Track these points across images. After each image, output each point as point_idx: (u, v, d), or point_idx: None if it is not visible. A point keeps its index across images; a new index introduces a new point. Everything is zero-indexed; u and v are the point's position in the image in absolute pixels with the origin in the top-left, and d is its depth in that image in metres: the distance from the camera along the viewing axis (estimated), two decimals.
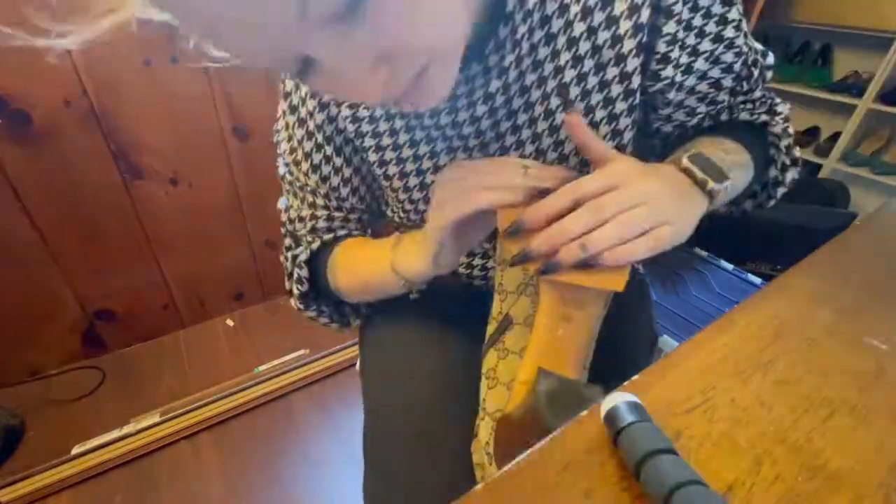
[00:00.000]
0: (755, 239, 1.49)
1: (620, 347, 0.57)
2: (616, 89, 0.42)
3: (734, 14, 0.41)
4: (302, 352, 1.41)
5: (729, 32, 0.42)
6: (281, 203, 0.61)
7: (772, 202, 0.55)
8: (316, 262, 0.56)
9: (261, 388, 1.27)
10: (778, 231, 1.48)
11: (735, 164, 0.42)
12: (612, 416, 0.29)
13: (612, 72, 0.42)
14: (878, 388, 0.35)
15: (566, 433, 0.31)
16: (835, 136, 1.96)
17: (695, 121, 0.49)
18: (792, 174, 0.51)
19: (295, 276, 0.57)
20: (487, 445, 0.40)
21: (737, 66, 0.44)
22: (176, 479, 1.08)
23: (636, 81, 0.42)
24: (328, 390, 1.31)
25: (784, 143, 0.49)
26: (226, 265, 1.48)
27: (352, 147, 0.52)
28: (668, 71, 0.43)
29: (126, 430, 1.15)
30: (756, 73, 0.47)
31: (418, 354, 0.55)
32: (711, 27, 0.41)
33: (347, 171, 0.53)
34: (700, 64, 0.43)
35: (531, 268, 0.33)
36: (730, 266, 1.40)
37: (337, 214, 0.56)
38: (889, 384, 0.35)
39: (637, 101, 0.43)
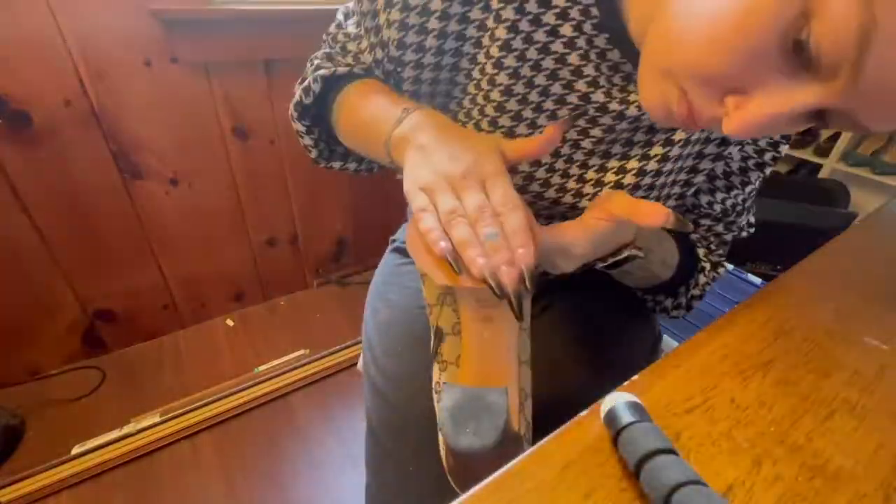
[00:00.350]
0: (755, 239, 1.49)
1: (620, 347, 0.57)
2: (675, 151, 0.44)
3: (768, 170, 0.49)
4: (302, 352, 1.41)
5: (764, 171, 0.49)
6: (340, 10, 0.52)
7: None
8: (331, 84, 0.50)
9: (261, 388, 1.27)
10: (778, 231, 1.48)
11: (645, 272, 0.48)
12: (612, 416, 0.29)
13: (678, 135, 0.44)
14: (878, 388, 0.35)
15: (566, 433, 0.31)
16: (835, 136, 1.96)
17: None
18: (676, 313, 0.57)
19: (306, 83, 0.50)
20: (442, 459, 0.40)
21: (734, 194, 0.50)
22: (176, 479, 1.08)
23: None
24: (328, 390, 1.31)
25: (693, 292, 0.54)
26: (226, 265, 1.48)
27: (454, 48, 0.44)
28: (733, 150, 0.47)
29: (126, 430, 1.15)
30: (738, 217, 0.53)
31: (419, 353, 0.55)
32: (768, 155, 0.48)
33: (428, 58, 0.44)
34: (737, 158, 0.48)
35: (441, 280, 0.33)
36: (730, 266, 1.40)
37: (388, 67, 0.47)
38: (889, 384, 0.35)
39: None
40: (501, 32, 0.40)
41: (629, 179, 0.45)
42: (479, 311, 0.35)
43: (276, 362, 1.38)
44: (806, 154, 2.03)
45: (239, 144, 1.32)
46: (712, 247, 0.54)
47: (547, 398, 0.43)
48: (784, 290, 0.47)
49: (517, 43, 0.40)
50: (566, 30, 0.39)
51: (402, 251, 0.70)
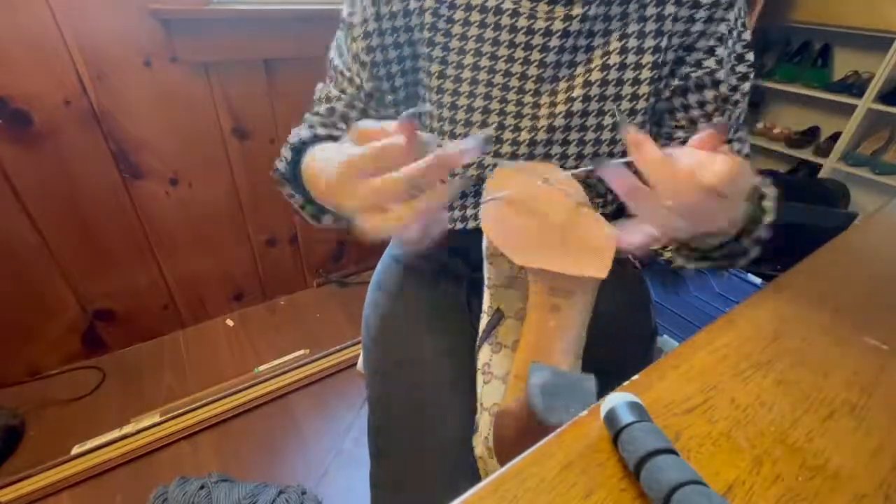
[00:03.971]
0: None
1: (620, 347, 0.57)
2: (648, 42, 0.47)
3: (749, 83, 0.51)
4: (302, 352, 1.41)
5: (749, 78, 0.50)
6: (318, 87, 0.60)
7: (721, 270, 0.57)
8: (301, 150, 0.51)
9: (261, 388, 1.27)
10: (778, 231, 1.48)
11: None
12: (612, 416, 0.29)
13: (649, 26, 0.47)
14: (878, 388, 0.35)
15: (566, 433, 0.31)
16: (835, 136, 1.96)
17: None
18: (754, 252, 0.49)
19: (282, 152, 0.53)
20: (486, 440, 0.40)
21: (741, 106, 0.51)
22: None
23: (665, 41, 0.48)
24: (328, 390, 1.31)
25: (765, 220, 0.49)
26: (226, 265, 1.48)
27: (411, 50, 0.53)
28: (711, 62, 0.49)
29: (126, 430, 1.15)
30: (739, 132, 0.54)
31: (421, 344, 0.56)
32: (741, 66, 0.50)
33: (395, 68, 0.54)
34: (730, 69, 0.49)
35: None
36: None
37: (357, 104, 0.55)
38: (889, 384, 0.35)
39: (661, 60, 0.48)
40: (428, 18, 0.49)
41: (594, 90, 0.49)
42: (549, 299, 0.35)
43: (276, 362, 1.38)
44: (806, 154, 2.03)
45: (239, 144, 1.32)
46: (734, 127, 0.53)
47: None
48: (784, 290, 0.47)
49: (441, 24, 0.49)
50: None
51: (401, 247, 0.70)
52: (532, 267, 0.32)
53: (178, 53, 1.13)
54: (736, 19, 0.49)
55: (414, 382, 0.52)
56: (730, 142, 0.53)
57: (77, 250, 1.21)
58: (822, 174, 1.95)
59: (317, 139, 0.50)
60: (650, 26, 0.47)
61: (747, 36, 0.50)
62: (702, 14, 0.47)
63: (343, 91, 0.56)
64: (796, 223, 1.48)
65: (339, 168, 0.32)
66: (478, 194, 0.57)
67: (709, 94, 0.51)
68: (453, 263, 0.63)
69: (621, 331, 0.58)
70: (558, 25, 0.47)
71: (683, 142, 0.53)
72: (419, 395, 0.51)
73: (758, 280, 1.37)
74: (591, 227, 0.36)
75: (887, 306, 0.45)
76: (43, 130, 1.06)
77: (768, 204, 0.49)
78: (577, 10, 0.46)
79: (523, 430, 0.34)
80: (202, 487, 1.00)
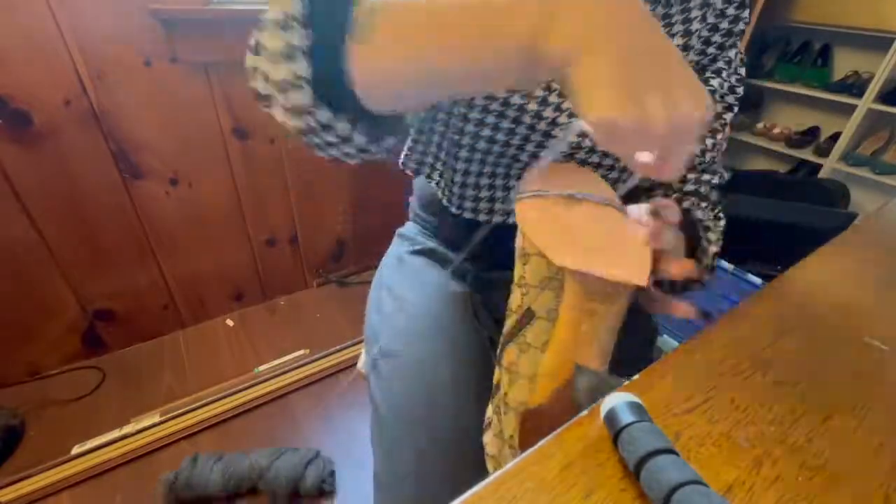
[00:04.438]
0: (755, 239, 1.49)
1: (621, 347, 0.57)
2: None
3: (729, 117, 0.53)
4: (302, 352, 1.41)
5: (732, 110, 0.52)
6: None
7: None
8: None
9: (261, 388, 1.27)
10: (778, 231, 1.48)
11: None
12: (612, 416, 0.29)
13: (678, 40, 0.49)
14: (878, 388, 0.35)
15: (566, 433, 0.31)
16: (835, 136, 1.96)
17: None
18: (709, 277, 0.52)
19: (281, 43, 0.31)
20: (511, 439, 0.40)
21: (719, 137, 0.53)
22: None
23: (688, 59, 0.49)
24: (328, 390, 1.31)
25: (713, 250, 0.50)
26: (226, 265, 1.48)
27: None
28: (715, 83, 0.50)
29: (126, 430, 1.15)
30: (718, 165, 0.55)
31: (424, 341, 0.56)
32: (730, 98, 0.52)
33: None
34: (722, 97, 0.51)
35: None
36: (730, 266, 1.40)
37: None
38: (889, 384, 0.35)
39: None
40: None
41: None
42: (585, 303, 0.34)
43: (276, 362, 1.38)
44: (806, 154, 2.03)
45: (239, 144, 1.32)
46: (703, 193, 0.55)
47: None
48: (784, 290, 0.47)
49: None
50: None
51: (408, 238, 0.70)
52: (573, 269, 0.32)
53: (178, 53, 1.13)
54: (737, 54, 0.51)
55: (417, 380, 0.52)
56: (709, 171, 0.54)
57: (77, 250, 1.21)
58: (822, 174, 1.95)
59: None
60: (677, 41, 0.49)
61: (742, 71, 0.52)
62: (711, 51, 0.50)
63: None
64: (796, 223, 1.48)
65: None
66: (507, 189, 0.57)
67: None
68: (459, 261, 0.63)
69: (622, 331, 0.58)
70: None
71: None
72: (423, 393, 0.51)
73: (758, 280, 1.36)
74: (632, 234, 0.36)
75: (887, 306, 0.45)
76: (43, 130, 1.06)
77: (713, 236, 0.51)
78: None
79: (554, 428, 0.34)
80: (219, 459, 1.03)
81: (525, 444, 0.38)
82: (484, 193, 0.57)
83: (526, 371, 0.39)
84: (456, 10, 0.26)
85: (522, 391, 0.39)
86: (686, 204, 0.53)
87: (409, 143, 0.62)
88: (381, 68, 0.30)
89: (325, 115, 0.33)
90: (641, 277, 0.33)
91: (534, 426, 0.37)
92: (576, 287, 0.34)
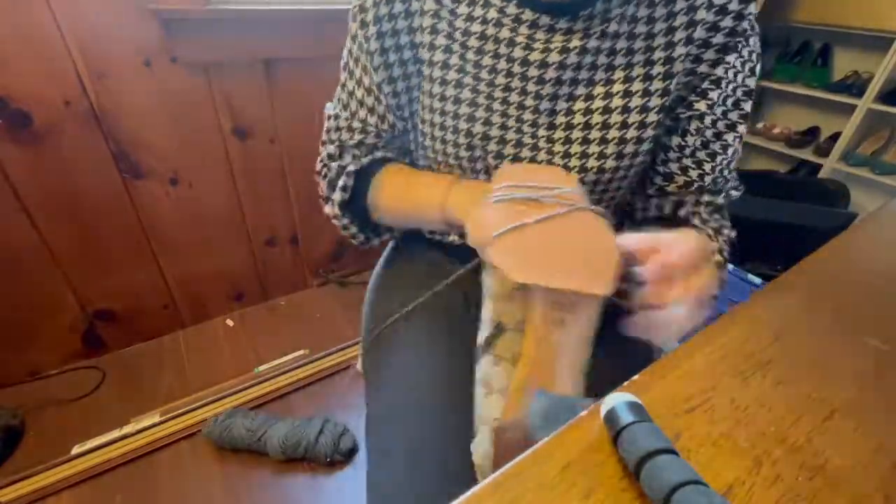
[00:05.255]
0: (755, 239, 1.49)
1: (621, 348, 0.57)
2: (657, 84, 0.46)
3: (742, 129, 0.49)
4: (302, 352, 1.41)
5: (737, 130, 0.49)
6: (328, 108, 0.60)
7: None
8: (362, 176, 0.58)
9: (261, 388, 1.27)
10: (778, 231, 1.48)
11: None
12: (612, 416, 0.29)
13: (657, 69, 0.46)
14: (878, 388, 0.35)
15: (566, 433, 0.31)
16: (835, 136, 1.96)
17: (666, 193, 0.55)
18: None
19: (340, 183, 0.57)
20: (486, 453, 0.39)
21: (719, 159, 0.50)
22: (176, 479, 1.08)
23: (674, 83, 0.46)
24: (328, 390, 1.31)
25: (715, 259, 0.51)
26: (226, 265, 1.48)
27: (414, 69, 0.53)
28: (702, 105, 0.48)
29: (126, 430, 1.15)
30: (725, 185, 0.53)
31: (419, 344, 0.56)
32: (734, 114, 0.48)
33: (400, 85, 0.54)
34: (717, 118, 0.48)
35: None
36: (730, 266, 1.40)
37: (384, 134, 0.57)
38: (889, 384, 0.35)
39: (668, 102, 0.47)
40: (426, 37, 0.49)
41: (595, 119, 0.48)
42: (553, 314, 0.34)
43: (276, 362, 1.38)
44: (806, 154, 2.03)
45: (239, 144, 1.32)
46: (704, 215, 0.53)
47: None
48: (784, 290, 0.47)
49: (440, 40, 0.49)
50: (477, 11, 0.47)
51: (400, 243, 0.72)
52: (532, 283, 0.32)
53: (178, 53, 1.13)
54: (744, 63, 0.46)
55: (412, 382, 0.52)
56: (711, 192, 0.53)
57: (77, 250, 1.21)
58: (822, 174, 1.95)
59: (374, 163, 0.57)
60: (657, 69, 0.46)
61: (752, 83, 0.47)
62: (710, 55, 0.46)
63: (363, 121, 0.56)
64: (796, 223, 1.48)
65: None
66: None
67: (689, 140, 0.50)
68: (453, 265, 0.63)
69: (619, 351, 0.59)
70: (555, 57, 0.46)
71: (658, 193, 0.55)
72: (418, 396, 0.51)
73: (758, 280, 1.37)
74: (596, 240, 0.35)
75: (887, 306, 0.45)
76: (43, 130, 1.06)
77: (719, 259, 0.50)
78: (576, 43, 0.45)
79: (524, 445, 0.34)
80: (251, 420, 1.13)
81: (498, 461, 0.37)
82: None
83: (498, 384, 0.39)
84: (407, 198, 0.56)
85: (495, 405, 0.39)
86: (683, 213, 0.54)
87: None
88: (383, 219, 0.62)
89: (343, 221, 0.62)
90: (605, 287, 0.32)
91: (503, 444, 0.36)
92: (541, 298, 0.34)
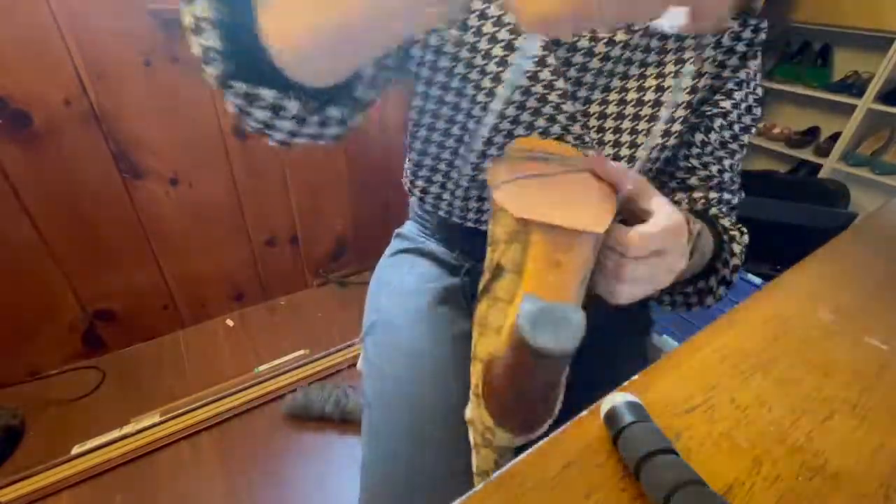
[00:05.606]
0: (755, 239, 1.49)
1: (616, 340, 0.58)
2: (686, 82, 0.48)
3: (754, 130, 0.53)
4: (302, 352, 1.41)
5: (750, 131, 0.53)
6: None
7: (693, 308, 0.56)
8: None
9: (261, 388, 1.27)
10: (778, 231, 1.48)
11: (699, 259, 0.46)
12: (612, 416, 0.29)
13: (688, 67, 0.48)
14: (878, 388, 0.35)
15: (566, 433, 0.31)
16: (835, 136, 1.96)
17: (688, 187, 0.56)
18: (721, 291, 0.52)
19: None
20: (477, 387, 0.41)
21: (736, 157, 0.53)
22: (176, 479, 1.08)
23: (702, 82, 0.49)
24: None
25: (734, 262, 0.51)
26: (226, 265, 1.48)
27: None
28: (727, 104, 0.50)
29: (126, 430, 1.15)
30: (737, 186, 0.55)
31: (421, 336, 0.56)
32: (747, 118, 0.51)
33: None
34: (741, 113, 0.51)
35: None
36: None
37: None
38: (889, 384, 0.35)
39: (695, 99, 0.49)
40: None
41: (629, 109, 0.49)
42: (550, 255, 0.35)
43: (276, 362, 1.38)
44: (806, 154, 2.03)
45: (239, 144, 1.32)
46: (723, 220, 0.54)
47: None
48: (784, 290, 0.47)
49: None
50: (503, 34, 0.44)
51: (407, 238, 0.71)
52: (531, 219, 0.33)
53: (178, 53, 1.13)
54: (756, 71, 0.50)
55: (412, 373, 0.53)
56: (729, 191, 0.55)
57: (77, 250, 1.21)
58: (822, 174, 1.95)
59: None
60: (688, 67, 0.48)
61: (760, 91, 0.52)
62: (734, 62, 0.49)
63: None
64: (796, 223, 1.48)
65: None
66: (480, 199, 0.57)
67: (712, 137, 0.52)
68: (457, 257, 0.63)
69: (618, 324, 0.59)
70: (601, 48, 0.47)
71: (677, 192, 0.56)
72: (409, 376, 0.52)
73: (758, 280, 1.36)
74: (595, 192, 0.38)
75: (887, 306, 0.45)
76: (43, 130, 1.06)
77: (738, 247, 0.51)
78: (621, 37, 0.47)
79: (511, 365, 0.35)
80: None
81: (488, 394, 0.39)
82: (487, 205, 0.58)
83: (494, 323, 0.40)
84: None
85: (490, 343, 0.40)
86: (713, 210, 0.54)
87: (410, 165, 0.61)
88: (288, 32, 0.30)
89: (242, 86, 0.33)
90: (599, 225, 0.33)
91: (493, 371, 0.38)
92: (540, 239, 0.35)
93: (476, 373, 0.41)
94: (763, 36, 0.48)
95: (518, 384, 0.36)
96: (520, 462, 0.29)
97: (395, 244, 0.73)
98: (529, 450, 0.30)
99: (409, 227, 0.73)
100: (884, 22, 1.73)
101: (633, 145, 0.51)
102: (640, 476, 0.26)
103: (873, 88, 1.75)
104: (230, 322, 1.53)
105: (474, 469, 0.44)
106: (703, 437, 0.30)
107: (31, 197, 1.10)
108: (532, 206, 0.34)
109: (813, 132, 2.11)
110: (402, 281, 0.64)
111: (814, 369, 0.36)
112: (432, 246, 0.67)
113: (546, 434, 0.32)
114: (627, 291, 0.34)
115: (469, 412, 0.43)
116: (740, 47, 0.48)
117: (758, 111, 0.52)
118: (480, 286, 0.42)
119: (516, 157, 0.40)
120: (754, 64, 0.50)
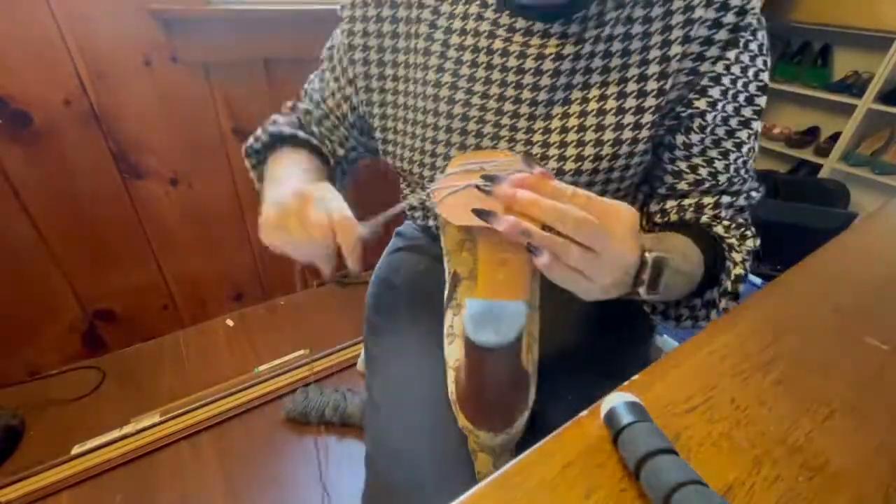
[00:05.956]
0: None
1: (617, 345, 0.58)
2: (652, 85, 0.45)
3: (757, 125, 0.47)
4: (302, 352, 1.41)
5: (751, 126, 0.47)
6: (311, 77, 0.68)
7: (700, 322, 0.53)
8: (276, 139, 0.61)
9: (261, 388, 1.27)
10: (778, 231, 1.48)
11: (682, 276, 0.43)
12: (612, 416, 0.29)
13: (653, 69, 0.45)
14: (878, 388, 0.35)
15: (566, 433, 0.31)
16: (835, 136, 1.96)
17: (679, 193, 0.52)
18: (726, 303, 0.48)
19: (259, 131, 0.62)
20: (452, 394, 0.42)
21: (733, 157, 0.48)
22: (176, 479, 1.08)
23: (670, 83, 0.45)
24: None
25: (735, 272, 0.48)
26: (226, 265, 1.48)
27: (391, 72, 0.54)
28: (702, 103, 0.45)
29: (126, 430, 1.15)
30: (743, 185, 0.50)
31: (420, 334, 0.56)
32: (747, 110, 0.46)
33: (361, 83, 0.57)
34: (727, 115, 0.46)
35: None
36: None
37: (330, 116, 0.62)
38: (889, 384, 0.35)
39: (664, 102, 0.46)
40: (421, 43, 0.50)
41: (590, 120, 0.47)
42: (495, 255, 0.37)
43: (276, 362, 1.38)
44: (806, 154, 2.03)
45: (239, 144, 1.31)
46: (726, 221, 0.51)
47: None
48: (784, 290, 0.47)
49: (433, 60, 0.50)
50: (470, 24, 0.48)
51: (406, 237, 0.73)
52: (471, 225, 0.35)
53: (178, 53, 1.13)
54: (753, 58, 0.44)
55: (411, 370, 0.53)
56: (728, 193, 0.50)
57: (77, 250, 1.21)
58: (822, 174, 1.95)
59: (292, 139, 0.59)
60: (653, 69, 0.45)
61: (765, 77, 0.46)
62: (713, 52, 0.44)
63: (324, 100, 0.61)
64: (796, 223, 1.48)
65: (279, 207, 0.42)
66: None
67: (695, 138, 0.48)
68: None
69: (619, 327, 0.59)
70: (549, 65, 0.46)
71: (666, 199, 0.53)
72: (412, 371, 0.52)
73: (758, 280, 1.37)
74: None
75: (887, 306, 0.45)
76: (43, 130, 1.06)
77: (738, 255, 0.48)
78: (569, 49, 0.45)
79: (468, 366, 0.37)
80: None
81: (461, 398, 0.41)
82: None
83: (460, 331, 0.41)
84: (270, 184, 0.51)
85: (458, 350, 0.42)
86: (705, 219, 0.50)
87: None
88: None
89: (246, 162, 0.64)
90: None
91: (465, 381, 0.40)
92: (484, 242, 0.38)
93: (450, 380, 0.43)
94: (751, 19, 0.42)
95: (477, 383, 0.38)
96: (520, 462, 0.29)
97: (394, 243, 0.74)
98: (529, 450, 0.30)
99: (407, 227, 0.74)
100: (884, 22, 1.74)
101: (597, 158, 0.47)
102: (640, 476, 0.26)
103: (873, 88, 1.75)
104: (230, 322, 1.53)
105: (476, 475, 0.45)
106: (702, 437, 0.30)
107: (31, 197, 1.10)
108: (471, 214, 0.35)
109: (813, 132, 2.11)
110: (400, 280, 0.64)
111: (814, 369, 0.36)
112: (430, 243, 0.68)
113: (546, 434, 0.32)
114: (585, 286, 0.35)
115: (459, 421, 0.44)
116: (721, 35, 0.43)
117: (761, 101, 0.46)
118: (445, 297, 0.43)
119: (454, 172, 0.42)
120: (733, 53, 0.43)
